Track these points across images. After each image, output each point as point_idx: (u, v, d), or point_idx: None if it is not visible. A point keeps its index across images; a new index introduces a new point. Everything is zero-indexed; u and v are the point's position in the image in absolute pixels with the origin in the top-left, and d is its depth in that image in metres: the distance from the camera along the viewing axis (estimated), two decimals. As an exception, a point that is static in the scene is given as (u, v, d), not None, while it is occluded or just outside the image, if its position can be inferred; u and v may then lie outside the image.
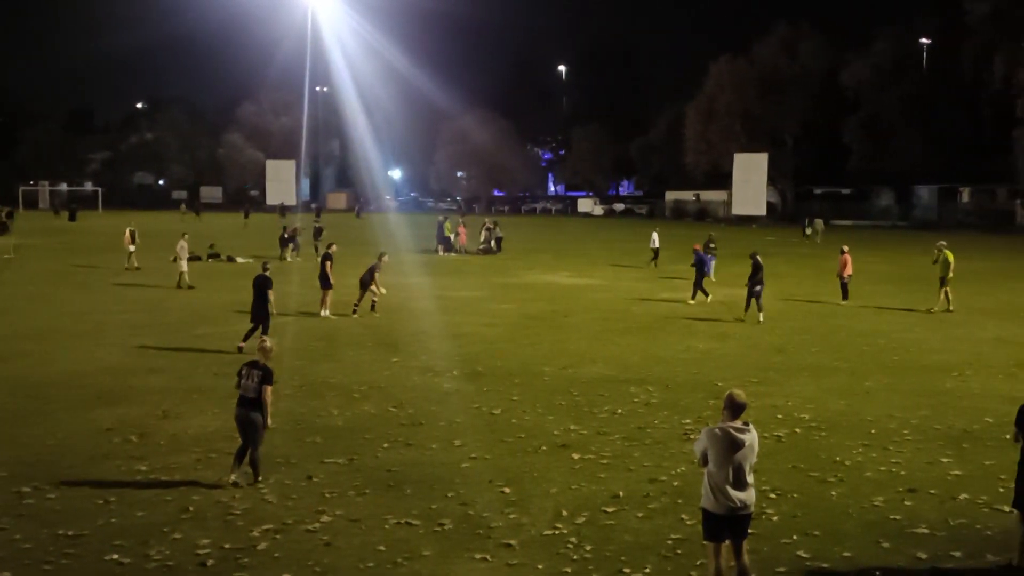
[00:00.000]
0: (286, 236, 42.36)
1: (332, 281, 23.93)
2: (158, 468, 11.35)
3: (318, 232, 44.47)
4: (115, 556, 8.79)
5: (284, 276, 34.45)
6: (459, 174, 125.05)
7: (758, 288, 23.61)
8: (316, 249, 42.41)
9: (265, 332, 19.24)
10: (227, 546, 9.04)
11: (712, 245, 33.78)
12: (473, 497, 10.46)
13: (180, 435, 12.80)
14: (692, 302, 26.58)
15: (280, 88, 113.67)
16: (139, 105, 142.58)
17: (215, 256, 40.37)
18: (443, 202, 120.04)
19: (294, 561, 8.74)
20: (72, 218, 76.69)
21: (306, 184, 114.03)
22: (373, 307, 24.19)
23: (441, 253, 45.38)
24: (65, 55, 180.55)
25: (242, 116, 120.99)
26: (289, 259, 41.11)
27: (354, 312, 23.86)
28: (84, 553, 8.89)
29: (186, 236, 31.32)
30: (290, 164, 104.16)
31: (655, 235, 39.52)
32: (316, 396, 15.17)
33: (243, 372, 10.94)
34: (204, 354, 18.77)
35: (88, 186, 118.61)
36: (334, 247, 25.40)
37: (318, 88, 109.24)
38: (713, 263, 31.71)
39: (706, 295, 26.89)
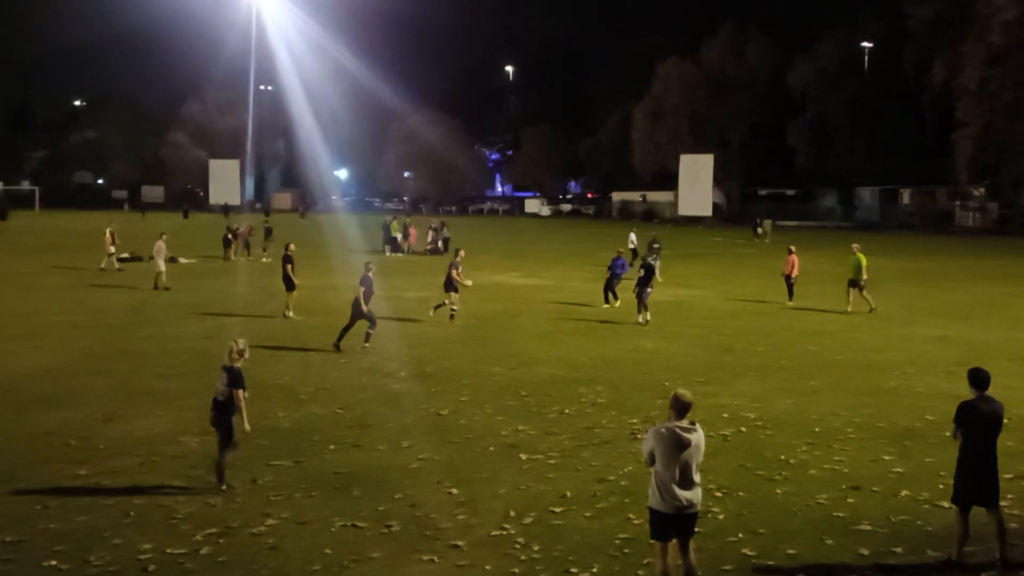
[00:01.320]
0: (230, 236, 41.90)
1: (296, 282, 23.73)
2: (100, 472, 11.16)
3: (268, 232, 44.09)
4: (54, 562, 8.62)
5: (230, 277, 34.19)
6: (407, 174, 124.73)
7: (648, 291, 23.59)
8: (265, 249, 42.19)
9: (371, 326, 19.48)
10: (170, 551, 8.90)
11: (656, 245, 33.92)
12: (421, 498, 10.42)
13: (123, 439, 12.59)
14: (605, 306, 26.20)
15: (224, 87, 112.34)
16: (79, 103, 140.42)
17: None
18: (390, 202, 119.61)
19: (239, 565, 8.64)
20: (3, 217, 75.21)
21: (251, 184, 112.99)
22: (452, 316, 23.48)
23: (388, 254, 45.20)
24: (3, 50, 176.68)
25: (186, 115, 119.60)
26: (234, 259, 40.76)
27: (451, 317, 23.36)
28: (23, 559, 8.71)
29: (164, 236, 30.89)
30: (234, 164, 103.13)
31: (632, 235, 39.76)
32: (262, 398, 14.98)
33: (219, 376, 10.73)
34: (149, 356, 18.51)
35: (26, 185, 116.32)
36: (292, 246, 25.09)
37: (263, 87, 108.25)
38: (658, 263, 31.86)
39: (615, 298, 26.30)
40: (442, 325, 22.88)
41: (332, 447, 12.31)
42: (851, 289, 25.64)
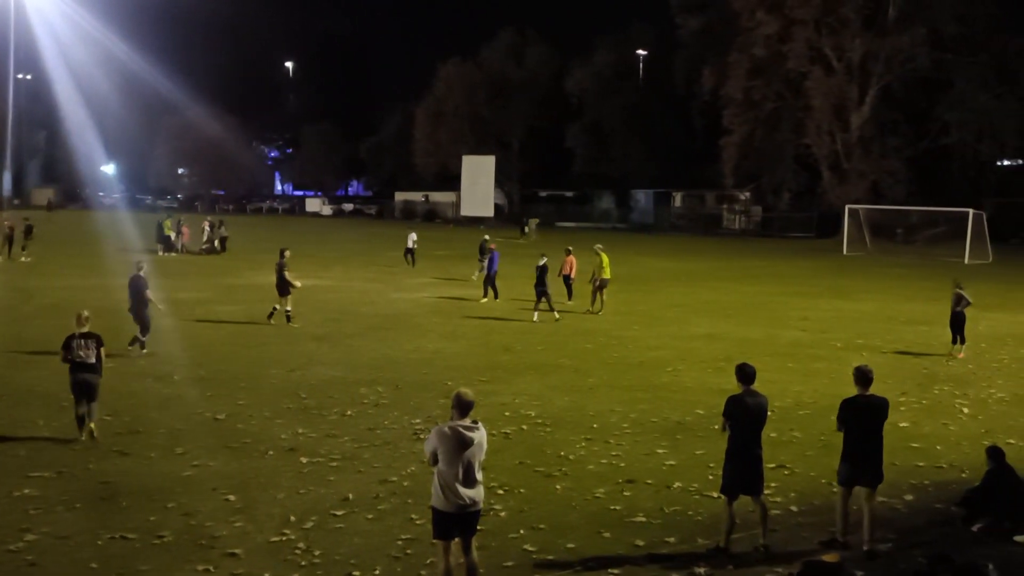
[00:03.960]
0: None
1: None
2: None
3: (28, 230, 41.43)
4: None
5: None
6: (181, 170, 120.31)
7: (543, 288, 24.34)
8: (24, 248, 39.79)
9: (144, 334, 18.33)
10: (-87, 573, 8.21)
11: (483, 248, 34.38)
12: (196, 506, 10.03)
13: None
14: (484, 300, 27.48)
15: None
16: None
17: None
18: (163, 199, 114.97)
19: (-7, 586, 8.05)
20: None
21: (8, 179, 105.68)
22: (272, 314, 22.59)
23: (161, 253, 43.41)
24: None
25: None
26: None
27: (288, 320, 22.40)
28: None
29: None
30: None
31: (412, 235, 39.74)
32: (19, 405, 14.07)
33: (74, 344, 12.23)
34: None
35: None
36: None
37: (21, 75, 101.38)
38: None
39: (495, 295, 27.73)
40: (217, 328, 22.20)
41: (98, 456, 11.66)
42: (600, 289, 26.21)
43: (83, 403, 12.24)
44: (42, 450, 11.88)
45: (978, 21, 60.18)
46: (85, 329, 12.41)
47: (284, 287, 22.51)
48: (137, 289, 18.60)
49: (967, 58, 60.35)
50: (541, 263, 24.58)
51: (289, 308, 22.69)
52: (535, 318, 23.99)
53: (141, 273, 18.95)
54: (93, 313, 13.33)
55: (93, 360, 12.27)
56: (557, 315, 24.18)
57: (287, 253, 23.28)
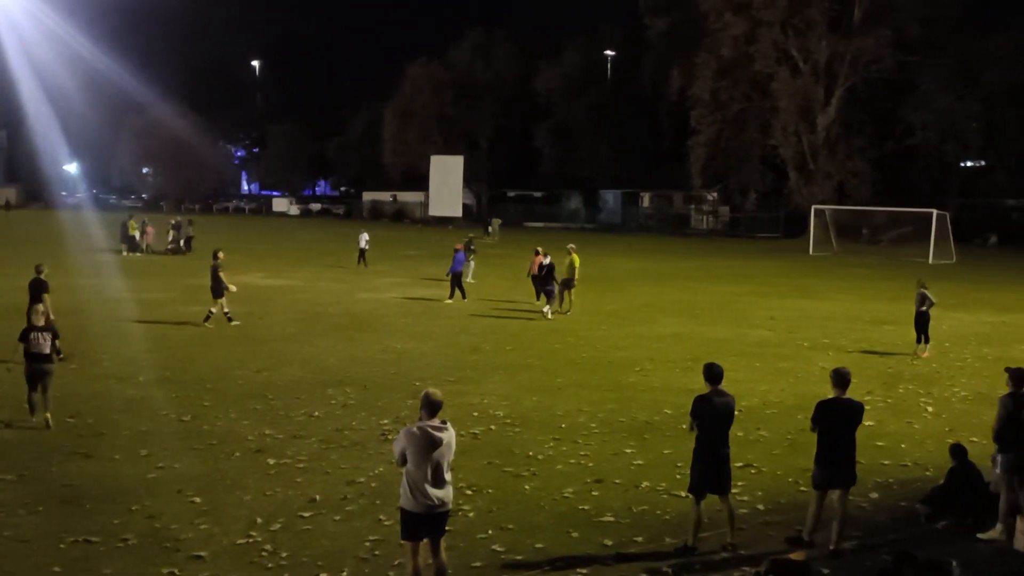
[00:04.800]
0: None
1: None
2: None
3: None
4: None
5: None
6: (145, 170, 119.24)
7: (550, 287, 25.12)
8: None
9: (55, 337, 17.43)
10: None
11: (472, 248, 34.24)
12: (160, 509, 9.93)
13: None
14: (449, 301, 27.41)
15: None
16: None
17: None
18: (127, 199, 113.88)
19: (-47, 591, 7.93)
20: None
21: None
22: (218, 315, 22.32)
23: (125, 253, 43.00)
24: None
25: None
26: None
27: (229, 320, 22.19)
28: None
29: None
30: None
31: (363, 235, 39.62)
32: (-19, 407, 13.89)
33: (32, 336, 13.00)
34: None
35: None
36: None
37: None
38: (473, 265, 32.92)
39: (463, 295, 27.76)
40: (182, 328, 22.00)
41: (60, 459, 11.52)
42: (567, 290, 26.20)
43: (37, 390, 12.99)
44: (3, 453, 11.73)
45: (941, 23, 60.73)
46: (42, 323, 13.35)
47: (218, 289, 22.31)
48: (35, 292, 18.00)
49: (931, 60, 60.91)
50: (546, 262, 24.82)
51: (227, 309, 22.53)
52: (554, 313, 24.65)
53: (42, 276, 18.56)
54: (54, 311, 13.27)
55: (47, 351, 13.08)
56: (548, 311, 24.68)
57: (220, 255, 23.02)
